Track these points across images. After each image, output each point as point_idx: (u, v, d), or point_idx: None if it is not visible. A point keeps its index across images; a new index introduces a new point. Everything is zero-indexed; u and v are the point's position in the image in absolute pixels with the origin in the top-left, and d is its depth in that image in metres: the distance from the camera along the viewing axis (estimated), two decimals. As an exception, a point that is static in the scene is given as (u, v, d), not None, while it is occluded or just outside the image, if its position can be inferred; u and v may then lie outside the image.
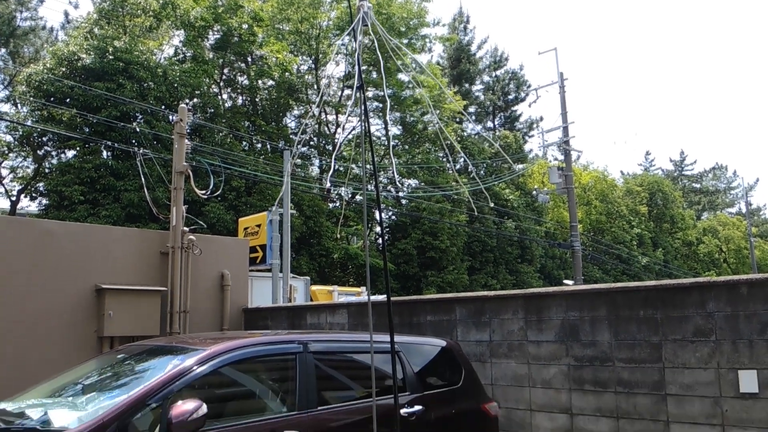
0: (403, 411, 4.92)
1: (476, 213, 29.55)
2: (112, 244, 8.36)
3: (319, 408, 4.52)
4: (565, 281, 32.55)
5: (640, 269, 41.59)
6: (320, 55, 30.31)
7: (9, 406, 4.37)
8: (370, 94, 29.86)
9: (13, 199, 25.59)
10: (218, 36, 26.85)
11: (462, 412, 5.43)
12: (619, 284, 5.69)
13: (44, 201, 23.31)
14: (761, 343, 4.81)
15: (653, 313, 5.36)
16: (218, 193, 12.32)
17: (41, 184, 23.83)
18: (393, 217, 30.26)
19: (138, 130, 20.76)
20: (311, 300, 15.94)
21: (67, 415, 3.88)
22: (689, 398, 5.11)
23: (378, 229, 32.61)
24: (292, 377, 4.57)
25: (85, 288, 8.03)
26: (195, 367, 4.12)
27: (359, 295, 17.62)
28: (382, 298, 7.34)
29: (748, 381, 4.84)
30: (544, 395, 5.95)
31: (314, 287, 17.54)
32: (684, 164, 71.71)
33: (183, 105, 10.01)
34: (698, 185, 70.66)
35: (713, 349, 5.02)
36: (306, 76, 30.89)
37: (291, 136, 28.41)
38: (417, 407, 5.11)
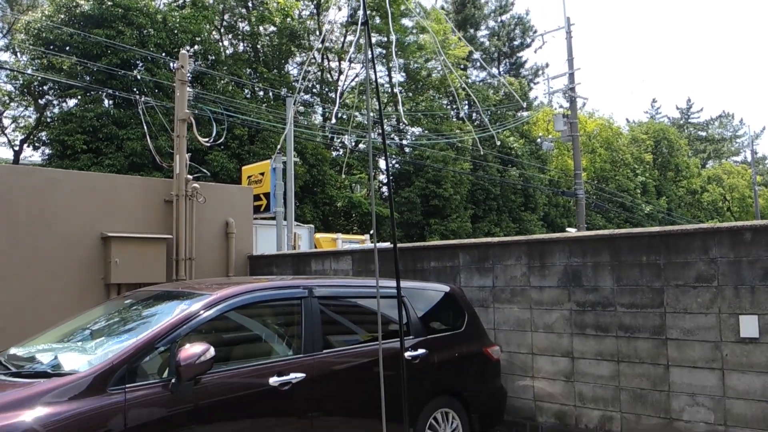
0: (406, 354, 5.00)
1: (482, 152, 29.27)
2: (117, 193, 8.37)
3: (324, 351, 4.60)
4: (568, 229, 32.61)
5: (644, 217, 41.60)
6: (322, 0, 29.74)
7: (19, 351, 4.44)
8: (373, 40, 29.36)
9: (16, 149, 25.56)
10: (218, -20, 26.33)
11: (464, 355, 5.52)
12: (622, 230, 5.70)
13: (47, 150, 23.28)
14: (763, 289, 4.84)
15: (656, 258, 5.38)
16: (221, 141, 12.28)
17: (44, 133, 23.74)
18: (396, 165, 30.15)
19: (139, 77, 20.55)
20: (315, 248, 16.03)
21: (77, 359, 3.95)
22: (690, 342, 5.17)
23: (381, 177, 32.56)
24: (297, 321, 4.63)
25: (91, 236, 8.07)
26: (201, 312, 4.18)
27: (363, 242, 17.70)
28: (386, 245, 7.38)
29: (749, 326, 4.89)
30: (546, 339, 6.03)
31: (318, 235, 17.62)
32: (690, 112, 70.93)
33: (184, 51, 9.88)
34: (704, 133, 69.99)
35: (715, 294, 5.06)
36: (308, 22, 30.37)
37: (293, 83, 28.09)
38: (420, 351, 5.20)
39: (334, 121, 21.46)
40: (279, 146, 15.73)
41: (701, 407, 5.07)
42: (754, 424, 4.80)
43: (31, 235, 7.62)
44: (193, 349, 3.80)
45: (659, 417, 5.29)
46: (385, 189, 32.74)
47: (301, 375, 4.35)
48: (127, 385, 3.71)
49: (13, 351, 4.48)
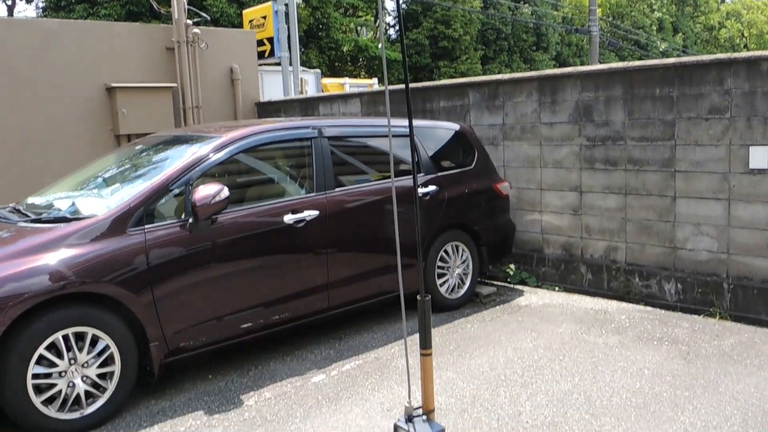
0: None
1: None
2: (117, 42, 8.16)
3: (337, 189, 4.68)
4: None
5: (658, 55, 40.29)
6: None
7: (37, 200, 4.54)
8: None
9: (9, 3, 24.67)
10: None
11: (474, 191, 5.61)
12: (636, 63, 5.55)
13: (40, 3, 22.49)
14: (776, 120, 4.79)
15: (669, 91, 5.28)
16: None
17: (34, -18, 22.80)
18: (404, 5, 28.96)
19: None
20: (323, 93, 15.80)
21: (95, 204, 4.03)
22: (698, 174, 5.19)
23: (388, 18, 31.42)
24: (308, 162, 4.67)
25: (94, 87, 7.97)
26: (212, 154, 4.21)
27: (371, 87, 17.43)
28: (395, 87, 7.27)
29: (759, 157, 4.88)
30: (555, 175, 6.08)
31: (325, 80, 17.32)
32: (714, -62, 66.56)
33: None
34: (727, -38, 66.14)
35: (727, 126, 5.01)
36: None
37: None
38: (431, 187, 5.28)
39: None
40: None
41: (705, 236, 5.20)
42: (756, 251, 4.93)
43: (33, 90, 7.51)
44: (207, 190, 3.87)
45: (663, 246, 5.44)
46: (391, 32, 31.72)
47: (314, 212, 4.45)
48: (146, 226, 3.82)
49: (31, 200, 4.59)
